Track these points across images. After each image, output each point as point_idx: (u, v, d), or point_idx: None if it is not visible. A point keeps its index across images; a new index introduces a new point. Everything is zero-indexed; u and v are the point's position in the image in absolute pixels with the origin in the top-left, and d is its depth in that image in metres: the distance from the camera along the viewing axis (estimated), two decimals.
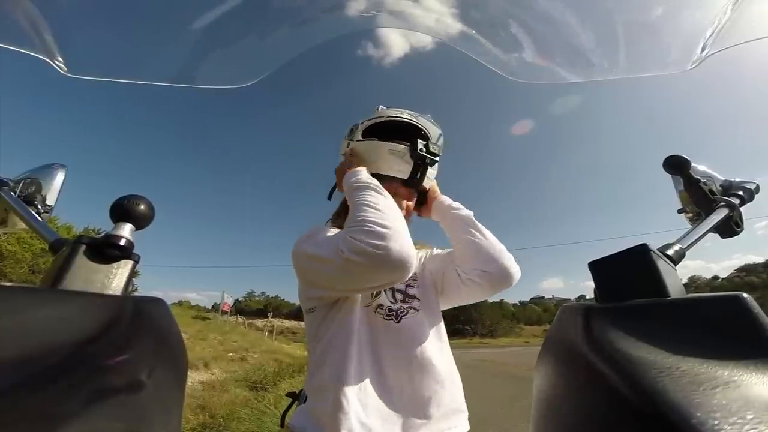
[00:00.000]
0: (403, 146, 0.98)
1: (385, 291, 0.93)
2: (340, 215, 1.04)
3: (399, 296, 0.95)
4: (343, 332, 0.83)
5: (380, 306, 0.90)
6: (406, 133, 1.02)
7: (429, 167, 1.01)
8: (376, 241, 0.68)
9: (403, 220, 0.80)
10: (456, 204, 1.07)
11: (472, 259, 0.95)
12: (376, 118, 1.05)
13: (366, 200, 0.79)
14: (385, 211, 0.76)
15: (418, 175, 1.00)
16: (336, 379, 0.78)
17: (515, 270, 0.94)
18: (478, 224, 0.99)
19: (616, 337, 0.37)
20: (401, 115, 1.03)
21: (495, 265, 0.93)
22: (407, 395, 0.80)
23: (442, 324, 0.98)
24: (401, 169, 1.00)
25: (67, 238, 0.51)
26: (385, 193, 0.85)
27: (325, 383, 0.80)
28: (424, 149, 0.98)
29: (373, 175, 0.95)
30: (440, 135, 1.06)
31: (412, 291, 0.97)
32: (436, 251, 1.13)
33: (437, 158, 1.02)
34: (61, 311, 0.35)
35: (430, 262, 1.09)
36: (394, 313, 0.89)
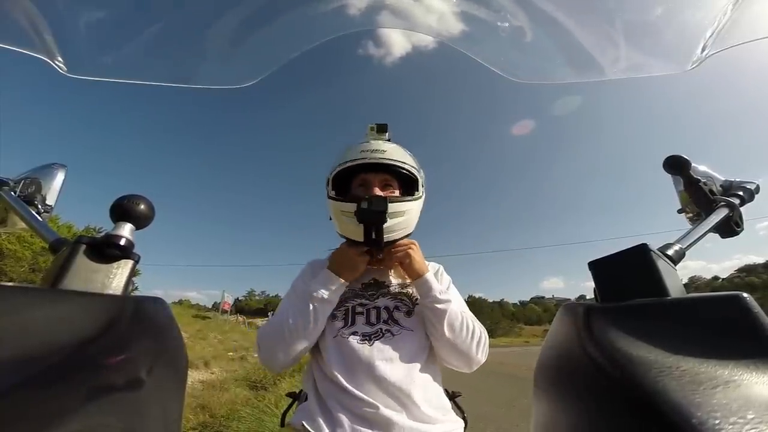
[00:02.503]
0: (352, 206, 0.93)
1: (361, 314, 0.95)
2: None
3: (382, 316, 0.95)
4: (323, 359, 0.93)
5: (354, 333, 0.92)
6: (377, 170, 1.00)
7: (387, 221, 0.92)
8: (258, 346, 0.94)
9: (296, 335, 0.90)
10: (433, 294, 0.94)
11: (437, 349, 0.96)
12: (338, 166, 1.01)
13: (286, 305, 0.98)
14: (278, 326, 0.92)
15: (373, 235, 0.93)
16: (323, 397, 0.89)
17: (477, 363, 0.95)
18: (450, 321, 0.91)
19: (617, 336, 0.37)
20: (360, 155, 0.98)
21: (456, 361, 0.95)
22: (381, 412, 0.83)
23: (426, 346, 0.96)
24: (356, 231, 0.94)
25: (67, 238, 0.51)
26: (317, 312, 0.91)
27: (313, 402, 0.90)
28: (369, 205, 0.90)
29: (342, 235, 1.04)
30: (412, 169, 1.00)
31: (398, 315, 0.96)
32: (445, 279, 1.08)
33: (400, 206, 0.95)
34: (61, 311, 0.35)
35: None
36: (368, 336, 0.92)
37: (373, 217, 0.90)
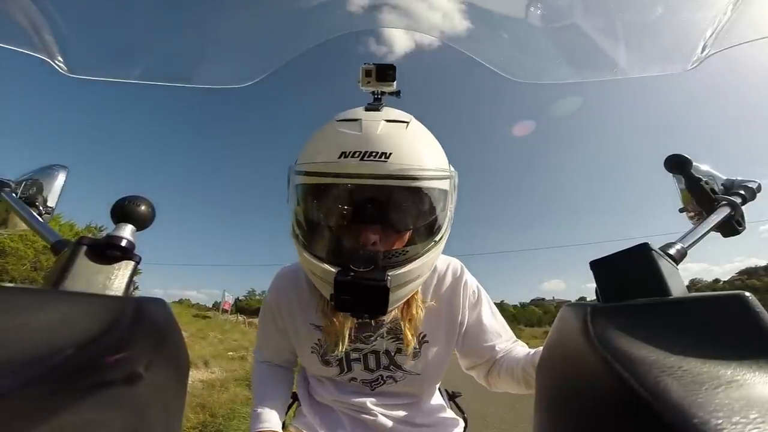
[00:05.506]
0: (326, 273, 0.58)
1: (357, 360, 0.80)
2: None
3: (382, 362, 0.80)
4: (317, 395, 0.88)
5: (353, 379, 0.82)
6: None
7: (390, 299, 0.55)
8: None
9: None
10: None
11: (499, 386, 0.86)
12: (304, 171, 0.61)
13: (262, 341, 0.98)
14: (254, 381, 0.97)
15: (366, 317, 0.65)
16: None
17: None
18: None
19: (618, 336, 0.37)
20: (340, 166, 0.57)
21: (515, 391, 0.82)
22: (380, 420, 0.81)
23: (429, 389, 0.89)
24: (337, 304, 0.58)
25: (69, 239, 0.52)
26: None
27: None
28: (359, 279, 0.53)
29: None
30: (434, 182, 0.60)
31: (400, 359, 0.78)
32: (473, 297, 0.85)
33: (410, 271, 0.57)
34: (62, 312, 0.35)
35: (463, 320, 0.83)
36: (368, 383, 0.82)
37: (364, 308, 0.56)
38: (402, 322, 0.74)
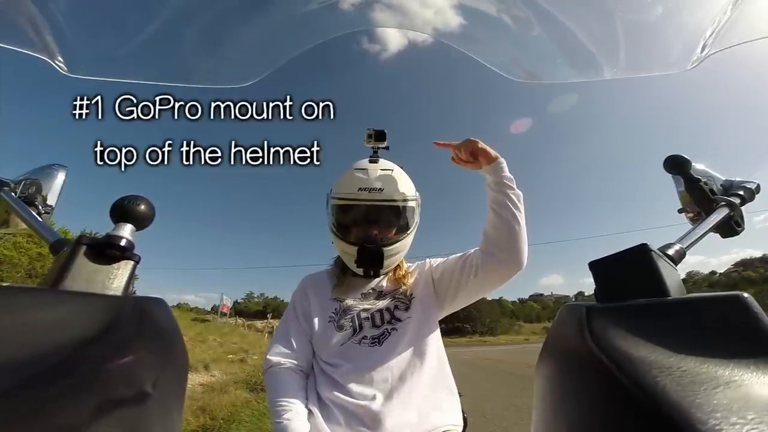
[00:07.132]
0: (352, 248, 0.99)
1: (367, 319, 0.99)
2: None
3: (385, 317, 1.00)
4: (325, 363, 0.96)
5: (364, 337, 0.97)
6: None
7: (387, 258, 0.98)
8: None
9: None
10: (509, 179, 0.97)
11: (495, 236, 0.95)
12: (337, 198, 1.03)
13: (282, 335, 1.02)
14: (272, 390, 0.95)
15: (372, 273, 1.00)
16: (329, 403, 0.89)
17: (521, 263, 0.95)
18: (520, 207, 0.94)
19: (617, 336, 0.37)
20: (357, 194, 1.00)
21: (507, 254, 0.94)
22: (376, 410, 0.86)
23: (432, 336, 1.01)
24: (358, 269, 1.01)
25: (68, 239, 0.51)
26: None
27: (321, 405, 0.91)
28: (366, 256, 0.96)
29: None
30: (408, 203, 1.03)
31: (398, 313, 1.00)
32: (434, 261, 1.12)
33: (395, 247, 0.99)
34: (61, 312, 0.35)
35: (432, 274, 1.09)
36: (377, 339, 0.97)
37: (370, 266, 0.99)
38: (394, 279, 1.07)
